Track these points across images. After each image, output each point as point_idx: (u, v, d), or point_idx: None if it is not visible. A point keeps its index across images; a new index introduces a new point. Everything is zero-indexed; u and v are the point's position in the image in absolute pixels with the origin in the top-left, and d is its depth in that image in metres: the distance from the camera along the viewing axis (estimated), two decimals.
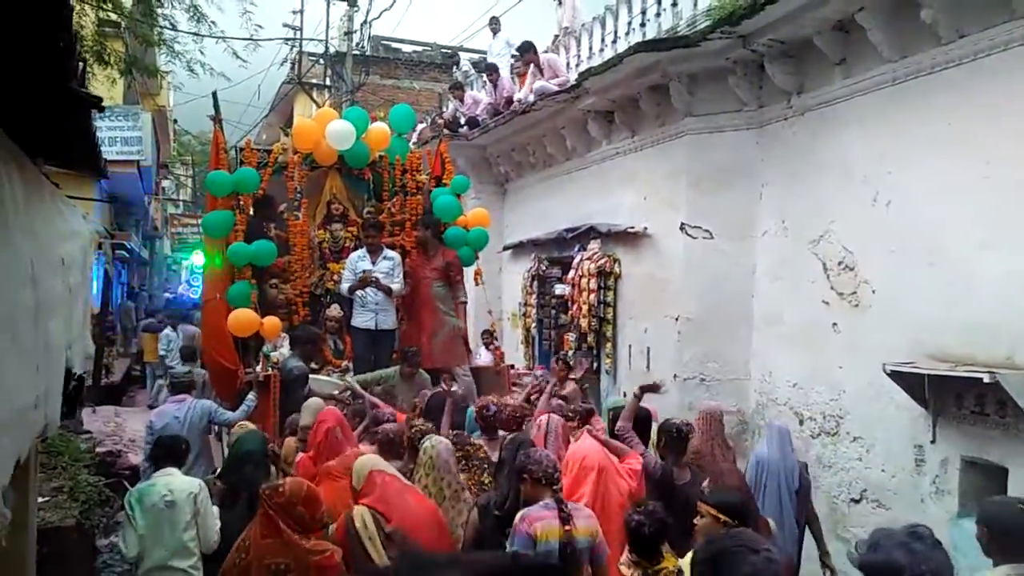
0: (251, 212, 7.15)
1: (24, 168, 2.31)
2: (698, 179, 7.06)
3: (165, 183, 27.64)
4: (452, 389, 5.70)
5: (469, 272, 7.84)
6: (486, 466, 4.49)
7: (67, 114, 2.50)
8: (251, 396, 6.15)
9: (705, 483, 3.99)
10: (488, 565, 0.89)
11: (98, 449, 7.31)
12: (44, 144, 2.93)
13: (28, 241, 2.15)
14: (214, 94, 7.22)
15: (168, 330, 13.13)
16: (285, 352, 6.66)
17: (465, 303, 7.73)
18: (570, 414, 4.96)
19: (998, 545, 2.43)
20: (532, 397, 6.14)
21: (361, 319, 7.07)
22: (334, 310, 7.18)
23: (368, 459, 3.82)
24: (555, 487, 3.45)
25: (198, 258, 21.54)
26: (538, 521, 3.31)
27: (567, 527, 3.30)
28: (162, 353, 12.74)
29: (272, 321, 6.65)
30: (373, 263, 7.11)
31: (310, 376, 6.22)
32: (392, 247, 7.51)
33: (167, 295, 25.44)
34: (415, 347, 6.83)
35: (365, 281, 6.96)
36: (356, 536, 3.38)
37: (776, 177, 6.63)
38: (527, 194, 10.84)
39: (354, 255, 7.20)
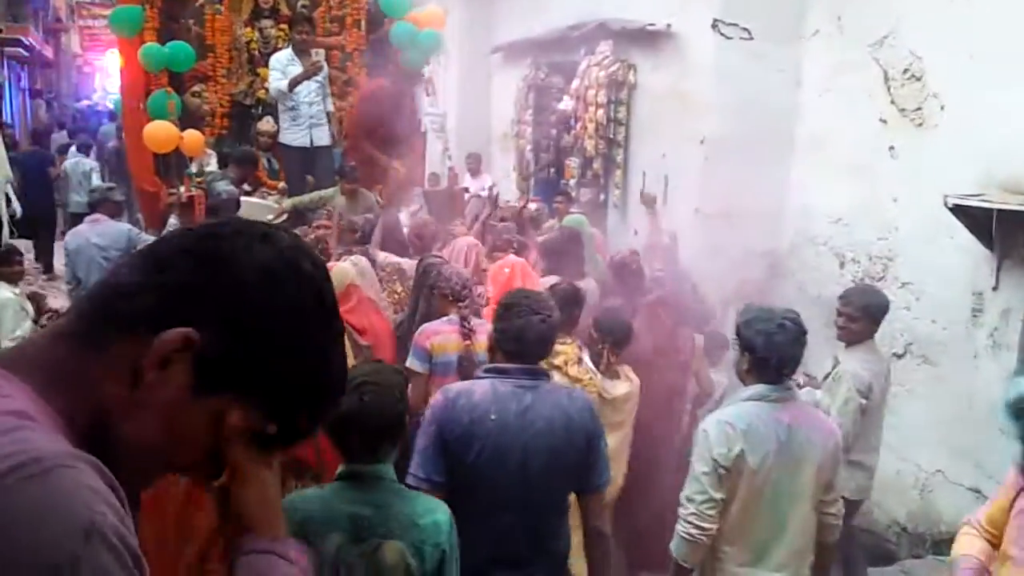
0: (164, 6, 7.08)
1: None
2: None
3: None
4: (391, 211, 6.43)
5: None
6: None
7: None
8: (171, 221, 6.41)
9: None
10: None
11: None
12: None
13: None
14: None
15: (74, 153, 12.73)
16: (213, 170, 6.80)
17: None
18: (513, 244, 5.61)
19: (756, 370, 3.00)
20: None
21: (292, 135, 7.19)
22: (267, 123, 7.27)
23: (346, 270, 4.35)
24: (461, 303, 4.11)
25: (114, 60, 20.93)
26: (435, 335, 4.00)
27: (467, 342, 3.98)
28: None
29: (193, 135, 6.79)
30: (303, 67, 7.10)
31: (242, 200, 6.40)
32: (331, 48, 7.49)
33: (79, 104, 24.88)
34: (352, 163, 6.97)
35: (315, 68, 6.95)
36: None
37: None
38: None
39: (281, 55, 7.15)
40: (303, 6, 7.58)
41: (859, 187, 6.13)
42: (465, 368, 3.95)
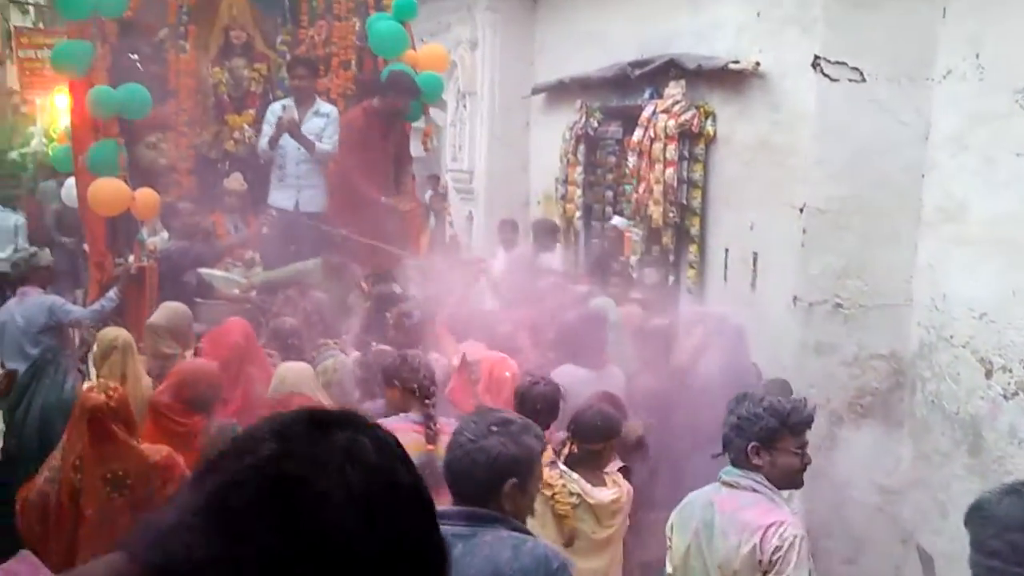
0: (117, 42, 7.46)
1: None
2: None
3: None
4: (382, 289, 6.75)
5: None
6: None
7: None
8: (112, 292, 6.84)
9: None
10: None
11: None
12: None
13: None
14: None
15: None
16: (168, 237, 7.07)
17: (413, 177, 8.75)
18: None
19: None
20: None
21: (278, 195, 7.66)
22: (234, 181, 7.61)
23: (297, 373, 4.76)
24: (427, 401, 4.43)
25: (60, 98, 21.52)
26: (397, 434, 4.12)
27: (430, 446, 4.25)
28: None
29: (147, 195, 7.08)
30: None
31: (202, 270, 6.64)
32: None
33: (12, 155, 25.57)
34: (341, 230, 7.41)
35: (286, 127, 7.24)
36: None
37: None
38: (572, 7, 10.62)
39: (276, 106, 7.66)
40: (283, 43, 7.98)
41: (1010, 271, 6.07)
42: (427, 477, 4.11)
